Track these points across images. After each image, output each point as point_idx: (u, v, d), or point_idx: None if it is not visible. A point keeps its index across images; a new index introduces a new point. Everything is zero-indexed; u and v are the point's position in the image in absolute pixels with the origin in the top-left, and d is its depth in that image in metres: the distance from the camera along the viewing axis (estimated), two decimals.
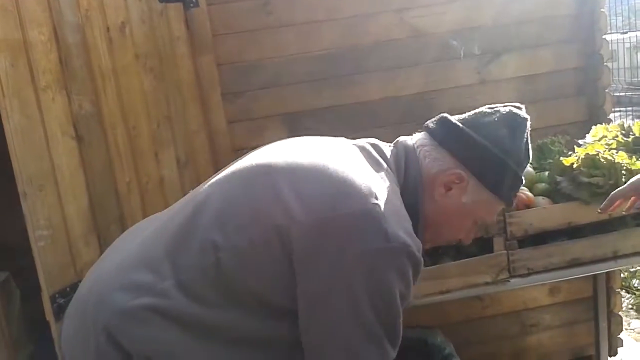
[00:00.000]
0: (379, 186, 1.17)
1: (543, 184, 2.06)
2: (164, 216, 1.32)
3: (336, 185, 1.14)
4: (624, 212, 1.73)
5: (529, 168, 2.13)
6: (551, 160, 2.09)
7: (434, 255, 1.96)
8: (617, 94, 7.71)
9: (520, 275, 1.94)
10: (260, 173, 1.21)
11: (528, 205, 1.96)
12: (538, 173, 2.13)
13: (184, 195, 2.16)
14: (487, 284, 1.94)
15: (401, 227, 1.13)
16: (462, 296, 1.98)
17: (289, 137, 1.40)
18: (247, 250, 1.12)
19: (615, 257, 1.97)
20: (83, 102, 1.76)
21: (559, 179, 1.98)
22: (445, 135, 1.30)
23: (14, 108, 1.49)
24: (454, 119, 1.32)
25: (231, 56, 2.44)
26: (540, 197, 2.00)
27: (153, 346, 1.12)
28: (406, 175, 1.27)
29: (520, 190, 1.98)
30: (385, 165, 1.27)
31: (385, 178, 1.22)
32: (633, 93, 8.81)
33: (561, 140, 2.25)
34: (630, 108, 8.25)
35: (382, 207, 1.12)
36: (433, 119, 1.36)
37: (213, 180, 1.28)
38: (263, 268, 1.13)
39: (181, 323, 1.12)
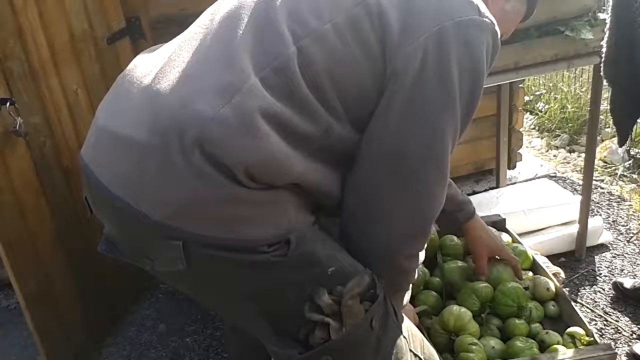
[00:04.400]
0: None
1: None
2: (210, 25, 1.08)
3: None
4: None
5: None
6: None
7: None
8: None
9: None
10: None
11: None
12: None
13: (88, 15, 2.03)
14: None
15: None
16: None
17: None
18: (330, 34, 1.00)
19: (517, 68, 2.03)
20: None
21: None
22: None
23: None
24: None
25: None
26: None
27: (253, 156, 0.94)
28: None
29: None
30: None
31: None
32: None
33: None
34: None
35: None
36: None
37: None
38: (347, 53, 1.01)
39: (275, 125, 0.96)
